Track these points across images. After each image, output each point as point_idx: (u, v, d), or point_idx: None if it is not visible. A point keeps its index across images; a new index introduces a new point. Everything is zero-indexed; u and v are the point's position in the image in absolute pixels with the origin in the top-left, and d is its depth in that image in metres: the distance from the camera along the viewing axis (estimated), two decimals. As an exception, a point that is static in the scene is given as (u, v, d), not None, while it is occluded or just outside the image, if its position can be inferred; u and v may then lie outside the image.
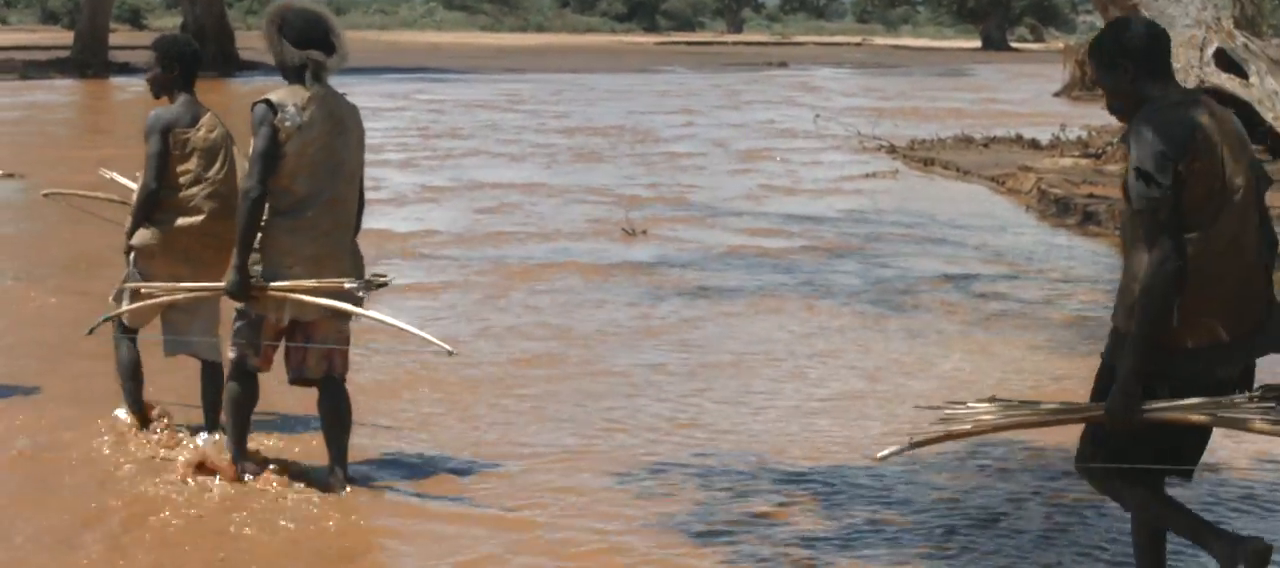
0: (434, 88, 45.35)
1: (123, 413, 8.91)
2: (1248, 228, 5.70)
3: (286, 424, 9.04)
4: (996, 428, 6.06)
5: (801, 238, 17.29)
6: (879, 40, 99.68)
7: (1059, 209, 19.63)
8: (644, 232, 17.19)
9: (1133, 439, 5.76)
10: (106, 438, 8.69)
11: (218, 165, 8.45)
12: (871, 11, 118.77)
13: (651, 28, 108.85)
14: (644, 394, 10.11)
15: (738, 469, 8.43)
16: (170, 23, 76.71)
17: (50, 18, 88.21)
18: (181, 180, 8.39)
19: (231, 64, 54.81)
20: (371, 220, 17.63)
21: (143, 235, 8.41)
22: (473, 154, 26.41)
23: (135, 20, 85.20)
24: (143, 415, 8.82)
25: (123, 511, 7.63)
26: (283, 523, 7.48)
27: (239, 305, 7.84)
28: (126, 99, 40.18)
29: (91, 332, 8.93)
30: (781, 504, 7.85)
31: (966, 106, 39.96)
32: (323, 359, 7.91)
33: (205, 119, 8.49)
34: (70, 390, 9.66)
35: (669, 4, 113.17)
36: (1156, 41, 5.82)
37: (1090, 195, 19.78)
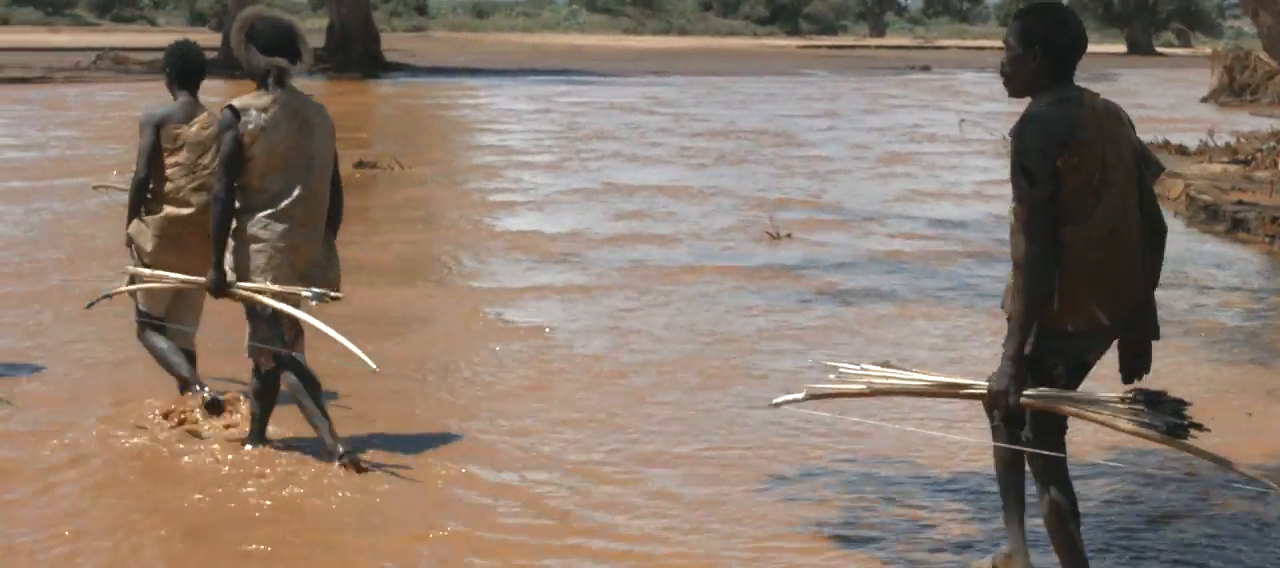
0: (577, 90, 45.48)
1: (198, 396, 9.02)
2: (1128, 219, 5.98)
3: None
4: (884, 392, 6.52)
5: (947, 242, 17.19)
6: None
7: (1208, 216, 19.36)
8: (788, 235, 17.14)
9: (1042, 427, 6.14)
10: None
11: (209, 160, 8.90)
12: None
13: (794, 31, 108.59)
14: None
15: (887, 474, 8.39)
16: (316, 24, 77.35)
17: (198, 19, 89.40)
18: (171, 173, 8.96)
19: (377, 65, 55.28)
20: (517, 222, 17.88)
21: (137, 225, 9.00)
22: (616, 156, 26.47)
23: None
24: (194, 390, 9.03)
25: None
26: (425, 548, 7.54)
27: (249, 310, 8.30)
28: (274, 100, 40.55)
29: (91, 306, 9.44)
30: (931, 510, 7.81)
31: (1113, 112, 39.52)
32: (292, 345, 8.33)
33: (200, 117, 9.03)
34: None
35: (811, 7, 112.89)
36: (1074, 50, 6.13)
37: (1239, 202, 19.49)
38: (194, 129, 8.96)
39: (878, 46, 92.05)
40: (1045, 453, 6.17)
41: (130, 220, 9.03)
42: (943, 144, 29.76)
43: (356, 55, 54.98)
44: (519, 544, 7.27)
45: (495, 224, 17.95)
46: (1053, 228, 5.87)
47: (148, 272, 8.83)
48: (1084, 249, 5.89)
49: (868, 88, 50.03)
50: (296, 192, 8.12)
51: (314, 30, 74.64)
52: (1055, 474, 6.22)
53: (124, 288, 9.06)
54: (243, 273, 8.15)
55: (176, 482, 8.02)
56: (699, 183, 22.69)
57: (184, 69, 9.19)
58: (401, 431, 9.08)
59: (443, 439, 8.92)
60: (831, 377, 6.46)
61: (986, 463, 8.39)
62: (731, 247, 16.59)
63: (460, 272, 14.93)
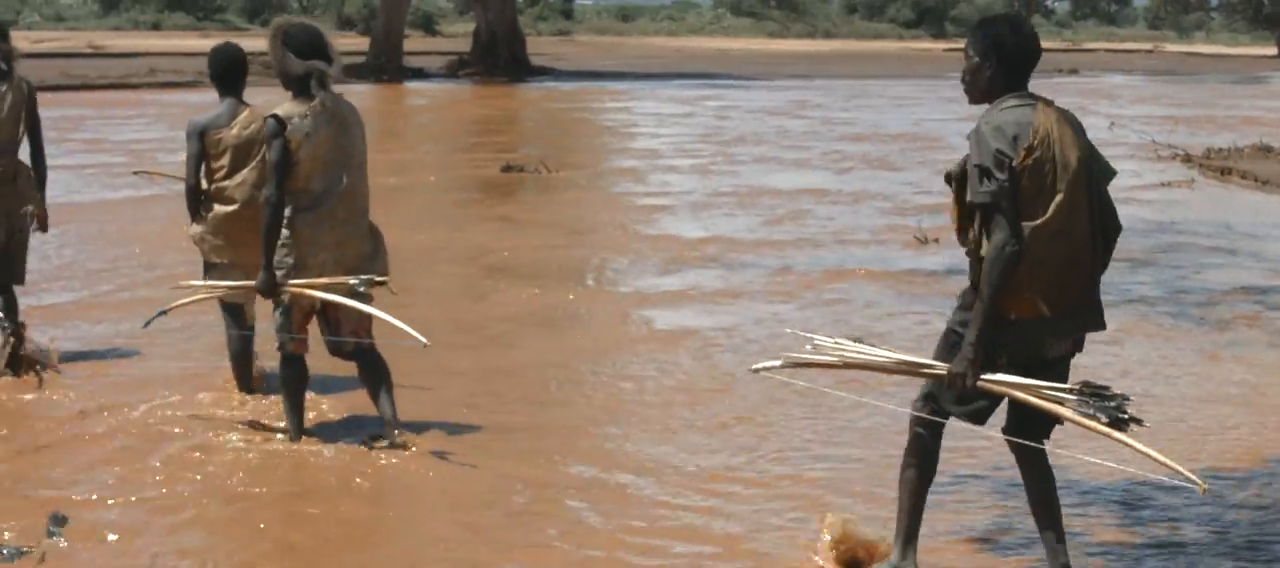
0: (722, 93, 45.51)
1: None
2: (1077, 218, 6.28)
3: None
4: (856, 366, 6.92)
5: (1095, 248, 16.98)
6: (1171, 47, 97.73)
7: (1361, 221, 19.10)
8: (935, 240, 17.03)
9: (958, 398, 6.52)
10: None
11: (252, 158, 9.40)
12: (1164, 18, 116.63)
13: (939, 34, 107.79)
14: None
15: (1033, 481, 8.32)
16: (463, 29, 77.90)
17: (345, 24, 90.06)
18: (217, 174, 9.46)
19: (523, 69, 55.60)
20: (663, 226, 17.91)
21: (194, 228, 9.56)
22: (761, 160, 26.45)
23: (428, 26, 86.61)
24: (250, 391, 9.80)
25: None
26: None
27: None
28: (420, 104, 40.96)
29: (147, 326, 9.55)
30: (1080, 517, 7.75)
31: (1263, 115, 39.01)
32: (351, 334, 8.71)
33: (241, 118, 9.47)
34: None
35: (957, 10, 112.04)
36: (1028, 60, 6.54)
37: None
38: (234, 131, 9.42)
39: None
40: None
41: (192, 224, 9.54)
42: (1091, 148, 29.42)
43: (503, 59, 55.37)
44: (650, 547, 7.29)
45: (640, 228, 18.00)
46: (1016, 222, 6.14)
47: (198, 283, 9.31)
48: (1033, 244, 6.15)
49: (1014, 91, 49.56)
50: (338, 190, 8.47)
51: (461, 34, 75.39)
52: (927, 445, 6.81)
53: (181, 302, 9.38)
54: (295, 270, 8.46)
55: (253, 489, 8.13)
56: (844, 187, 22.65)
57: (224, 71, 9.59)
58: (537, 431, 9.19)
59: (583, 440, 9.02)
60: (808, 348, 6.85)
61: (1131, 471, 8.32)
62: (877, 251, 16.52)
63: (606, 275, 14.99)
